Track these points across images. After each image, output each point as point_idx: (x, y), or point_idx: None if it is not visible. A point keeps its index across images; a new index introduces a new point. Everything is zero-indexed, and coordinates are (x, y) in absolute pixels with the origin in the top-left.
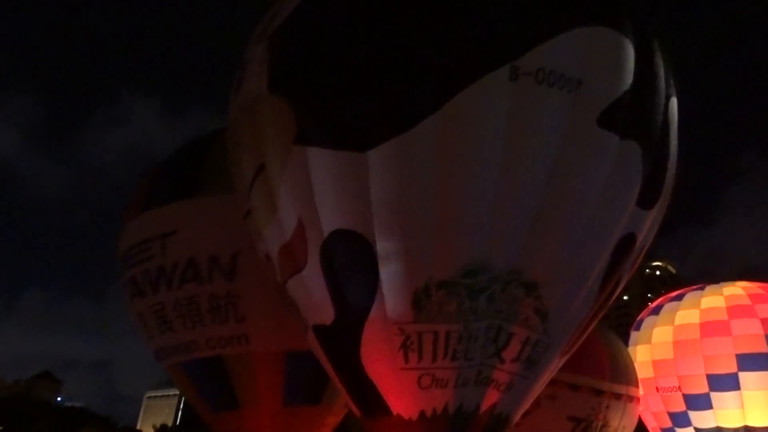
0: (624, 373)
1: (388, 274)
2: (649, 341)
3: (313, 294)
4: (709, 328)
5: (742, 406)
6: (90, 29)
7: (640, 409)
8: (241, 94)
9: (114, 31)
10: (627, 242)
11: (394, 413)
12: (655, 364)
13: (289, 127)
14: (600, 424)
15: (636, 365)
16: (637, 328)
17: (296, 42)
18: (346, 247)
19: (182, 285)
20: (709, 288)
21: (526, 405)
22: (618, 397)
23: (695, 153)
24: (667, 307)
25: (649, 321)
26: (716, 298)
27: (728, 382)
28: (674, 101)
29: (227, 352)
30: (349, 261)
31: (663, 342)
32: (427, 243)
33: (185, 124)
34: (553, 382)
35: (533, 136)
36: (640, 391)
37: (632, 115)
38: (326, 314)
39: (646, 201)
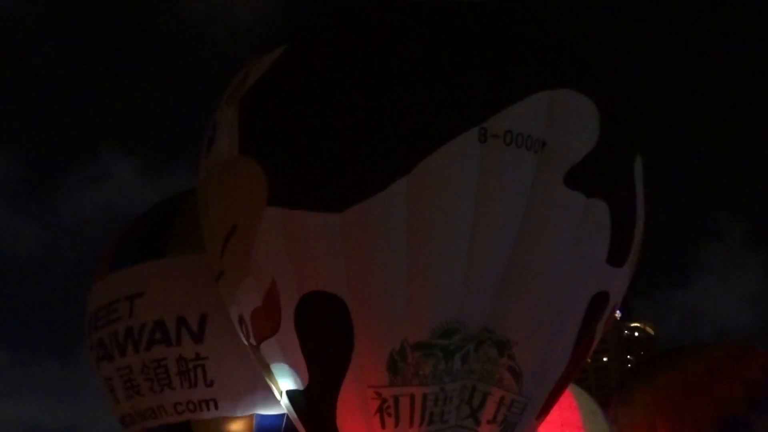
0: (598, 428)
1: (364, 335)
2: (630, 404)
3: (287, 357)
4: (691, 389)
5: None
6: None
7: None
8: (212, 155)
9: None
10: (599, 300)
11: None
12: (636, 427)
13: (261, 188)
14: None
15: (618, 428)
16: (619, 392)
17: (268, 104)
18: (321, 309)
19: (150, 347)
20: (688, 349)
21: None
22: None
23: (669, 214)
24: (647, 369)
25: (629, 385)
26: (696, 360)
27: None
28: (639, 159)
29: (195, 417)
30: (324, 323)
31: (643, 403)
32: (401, 304)
33: (165, 183)
34: None
35: (502, 196)
36: None
37: (598, 174)
38: (301, 378)
39: (615, 258)
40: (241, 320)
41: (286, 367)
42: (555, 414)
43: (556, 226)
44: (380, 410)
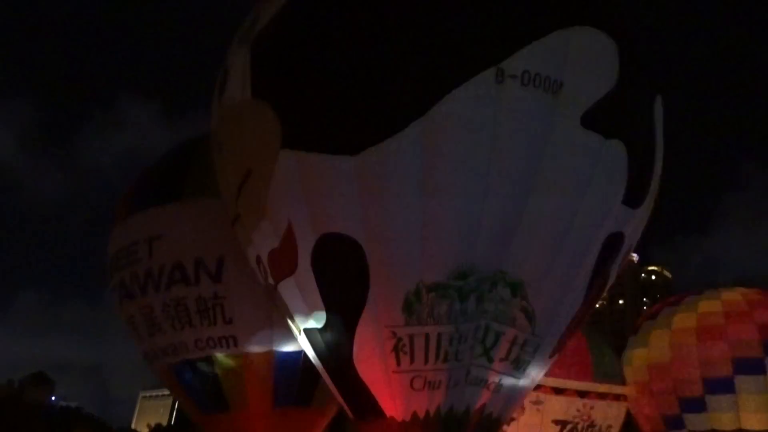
0: (608, 372)
1: (379, 277)
2: (646, 345)
3: (304, 297)
4: (706, 332)
5: (737, 410)
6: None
7: (634, 412)
8: (225, 99)
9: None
10: (614, 241)
11: (388, 415)
12: (651, 367)
13: (275, 132)
14: (585, 424)
15: (632, 369)
16: (635, 333)
17: (279, 47)
18: (336, 250)
19: (170, 287)
20: (708, 293)
21: (516, 406)
22: (603, 396)
23: (695, 161)
24: (665, 311)
25: (646, 326)
26: (714, 303)
27: (724, 386)
28: (659, 100)
29: (215, 354)
30: (340, 265)
31: (659, 346)
32: (417, 246)
33: (184, 128)
34: (537, 387)
35: (519, 138)
36: (627, 389)
37: (616, 115)
38: (318, 318)
39: (632, 200)
40: (258, 261)
41: (303, 306)
42: (565, 353)
43: (572, 167)
44: (396, 349)
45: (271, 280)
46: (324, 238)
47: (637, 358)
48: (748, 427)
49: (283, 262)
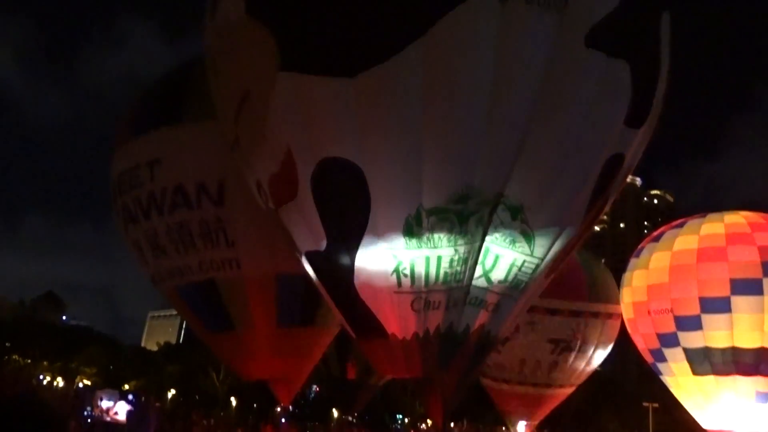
0: (601, 292)
1: (380, 200)
2: (646, 267)
3: (305, 221)
4: (707, 253)
5: (732, 328)
6: None
7: (631, 330)
8: (218, 18)
9: None
10: (615, 162)
11: (389, 334)
12: (650, 288)
13: (273, 54)
14: (579, 342)
15: (631, 289)
16: (637, 255)
17: None
18: (336, 174)
19: (173, 211)
20: (711, 215)
21: (513, 324)
22: (596, 315)
23: (704, 82)
24: (668, 234)
25: (648, 248)
26: (716, 225)
27: (720, 305)
28: (667, 16)
29: (219, 276)
30: (341, 188)
31: (659, 267)
32: (417, 169)
33: (184, 46)
34: (532, 308)
35: (522, 58)
36: (620, 308)
37: (621, 33)
38: (319, 241)
39: (634, 120)
40: (258, 186)
41: (305, 230)
42: (560, 275)
43: (575, 88)
44: (396, 271)
45: (271, 205)
46: (324, 163)
47: (637, 278)
48: (741, 345)
49: (284, 187)
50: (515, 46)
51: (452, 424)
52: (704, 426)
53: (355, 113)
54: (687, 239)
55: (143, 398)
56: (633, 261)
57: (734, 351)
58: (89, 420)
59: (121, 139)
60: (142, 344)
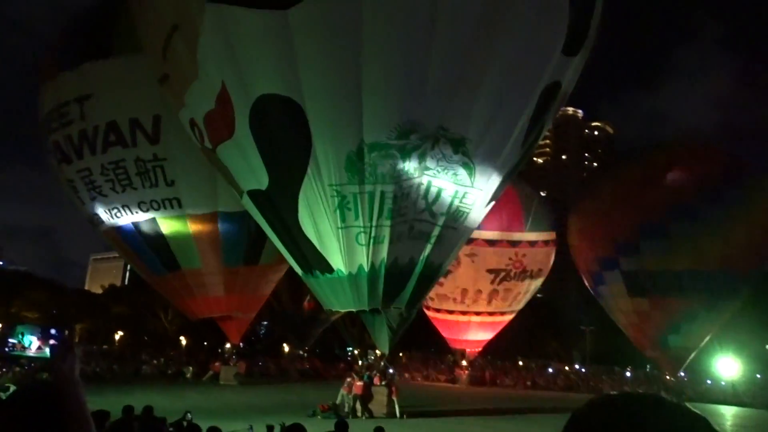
0: (537, 221)
1: (321, 137)
2: (593, 195)
3: (245, 160)
4: (648, 181)
5: (667, 252)
6: None
7: (574, 256)
8: None
9: None
10: (552, 90)
11: (335, 269)
12: (595, 214)
13: None
14: (518, 271)
15: (577, 217)
16: (586, 185)
17: None
18: (275, 112)
19: (106, 149)
20: (657, 146)
21: (456, 253)
22: (533, 243)
23: (643, 13)
24: (615, 165)
25: (596, 177)
26: (660, 155)
27: (657, 230)
28: None
29: (160, 215)
30: (281, 126)
31: (605, 195)
32: (357, 104)
33: None
34: (472, 241)
35: None
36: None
37: None
38: (261, 179)
39: (571, 48)
40: (192, 124)
41: (245, 168)
42: (499, 207)
43: (513, 17)
44: (340, 206)
45: (208, 144)
46: (262, 100)
47: (584, 206)
48: (673, 268)
49: (220, 125)
50: None
51: (400, 354)
52: (636, 344)
53: (290, 48)
54: (632, 168)
55: (66, 332)
56: (579, 192)
57: (668, 273)
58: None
59: (48, 74)
60: (86, 287)
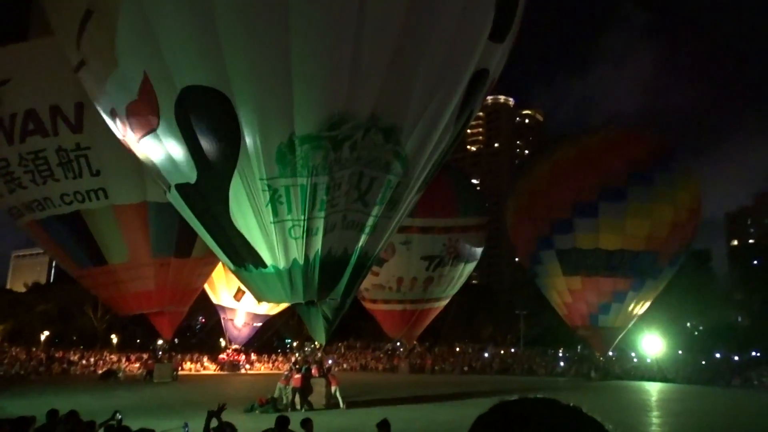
0: (471, 206)
1: (250, 129)
2: (530, 174)
3: (172, 153)
4: (581, 162)
5: (597, 231)
6: None
7: (512, 236)
8: None
9: None
10: (480, 76)
11: (268, 263)
12: (531, 193)
13: None
14: (452, 256)
15: (515, 197)
16: (523, 166)
17: None
18: (203, 103)
19: (25, 138)
20: (591, 130)
21: (388, 241)
22: (465, 229)
23: (574, 2)
24: (550, 146)
25: (533, 158)
26: (593, 138)
27: (589, 210)
28: None
29: (85, 207)
30: (209, 118)
31: (541, 175)
32: (288, 95)
33: None
34: (406, 229)
35: None
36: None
37: None
38: (189, 173)
39: (497, 34)
40: (113, 114)
41: (171, 162)
42: (431, 195)
43: (444, 4)
44: (272, 200)
45: (131, 135)
46: (187, 91)
47: (521, 186)
48: (603, 247)
49: (144, 116)
50: None
51: (339, 344)
52: (568, 323)
53: (217, 36)
54: (566, 149)
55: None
56: (517, 173)
57: (598, 252)
58: None
59: None
60: (8, 285)
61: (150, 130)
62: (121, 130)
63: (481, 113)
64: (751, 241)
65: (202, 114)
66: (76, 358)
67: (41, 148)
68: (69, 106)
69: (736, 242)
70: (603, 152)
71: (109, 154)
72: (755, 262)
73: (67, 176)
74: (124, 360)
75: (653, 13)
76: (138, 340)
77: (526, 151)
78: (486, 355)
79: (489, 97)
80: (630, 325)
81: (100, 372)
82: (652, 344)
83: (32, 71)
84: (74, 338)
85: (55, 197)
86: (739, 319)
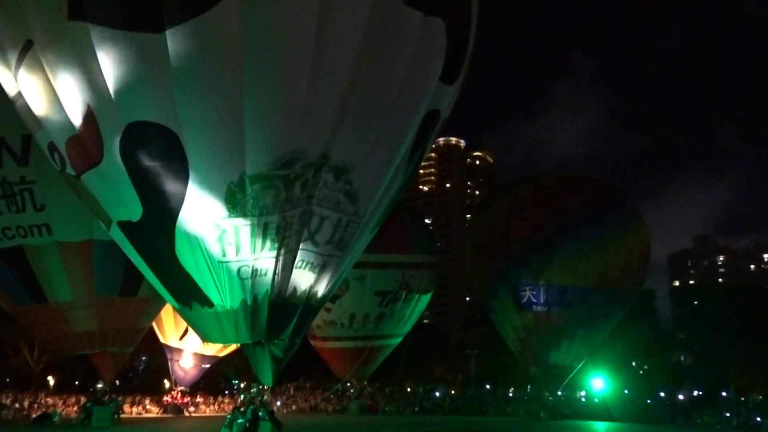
0: (424, 245)
1: (199, 168)
2: (490, 211)
3: (115, 189)
4: (539, 200)
5: (552, 267)
6: None
7: (469, 272)
8: None
9: None
10: (432, 117)
11: (215, 303)
12: (491, 228)
13: None
14: (404, 292)
15: (474, 233)
16: (483, 204)
17: None
18: (150, 140)
19: None
20: (549, 173)
21: (339, 281)
22: (419, 266)
23: (526, 49)
24: (510, 186)
25: (492, 197)
26: (551, 179)
27: (544, 246)
28: None
29: (27, 243)
30: (155, 155)
31: (501, 211)
32: (239, 134)
33: None
34: (360, 264)
35: (343, 17)
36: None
37: None
38: (133, 210)
39: (448, 76)
40: (52, 148)
41: (114, 198)
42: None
43: (395, 45)
44: (220, 240)
45: (70, 170)
46: (134, 126)
47: (480, 221)
48: (557, 283)
49: (86, 151)
50: (337, 3)
51: (288, 385)
52: (521, 360)
53: (164, 73)
54: (526, 188)
55: None
56: (475, 210)
57: (551, 288)
58: None
59: None
60: None
61: (92, 164)
62: (59, 164)
63: (432, 154)
64: (692, 282)
65: (150, 150)
66: (8, 401)
67: None
68: (15, 138)
69: (677, 283)
70: (560, 192)
71: (54, 190)
72: (696, 302)
73: (11, 209)
74: (60, 403)
75: (601, 61)
76: (77, 382)
77: (477, 192)
78: (437, 394)
79: (441, 139)
80: (580, 365)
81: (33, 416)
82: (598, 383)
83: None
84: (7, 380)
85: None
86: (682, 358)
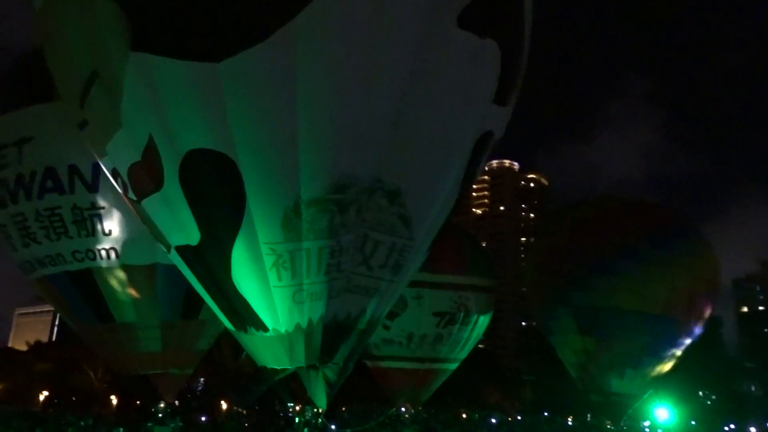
0: (480, 267)
1: (256, 193)
2: (550, 232)
3: (174, 215)
4: (600, 222)
5: (614, 290)
6: None
7: (529, 292)
8: None
9: None
10: (485, 139)
11: (270, 327)
12: (551, 248)
13: (122, 30)
14: (462, 314)
15: (534, 253)
16: (543, 226)
17: None
18: (207, 167)
19: (42, 195)
20: (610, 195)
21: (391, 305)
22: (475, 288)
23: (579, 71)
24: (571, 208)
25: (553, 219)
26: (614, 201)
27: (606, 268)
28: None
29: (96, 265)
30: (213, 181)
31: (562, 232)
32: (293, 159)
33: None
34: (417, 284)
35: (395, 42)
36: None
37: (491, 14)
38: (191, 235)
39: (501, 98)
40: (115, 174)
41: (173, 223)
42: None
43: (447, 68)
44: (276, 264)
45: (132, 196)
46: (192, 154)
47: (542, 243)
48: (620, 307)
49: (147, 178)
50: (388, 28)
51: (343, 408)
52: (581, 387)
53: (221, 101)
54: (587, 210)
55: None
56: (537, 231)
57: (613, 312)
58: None
59: None
60: (10, 344)
61: (152, 190)
62: (122, 189)
63: (485, 176)
64: (760, 308)
65: (207, 177)
66: (73, 418)
67: (57, 205)
68: (87, 166)
69: (745, 309)
70: (622, 214)
71: (121, 215)
72: (766, 329)
73: (81, 234)
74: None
75: (655, 81)
76: (138, 401)
77: (531, 215)
78: (493, 421)
79: (494, 161)
80: (646, 396)
81: None
82: (663, 413)
83: (54, 130)
84: (72, 398)
85: (66, 254)
86: (753, 388)
